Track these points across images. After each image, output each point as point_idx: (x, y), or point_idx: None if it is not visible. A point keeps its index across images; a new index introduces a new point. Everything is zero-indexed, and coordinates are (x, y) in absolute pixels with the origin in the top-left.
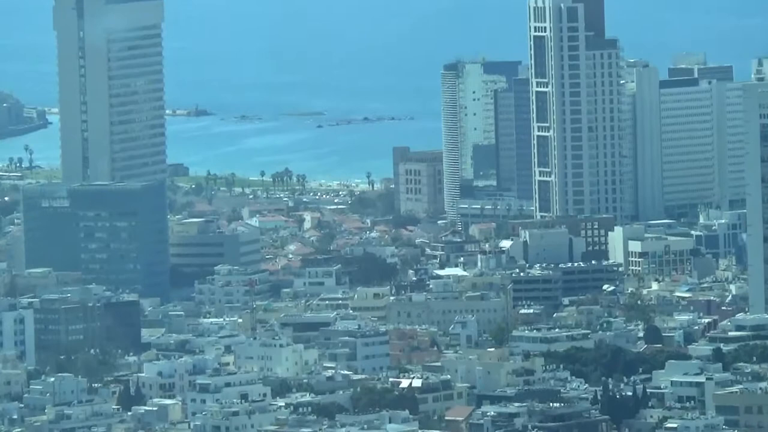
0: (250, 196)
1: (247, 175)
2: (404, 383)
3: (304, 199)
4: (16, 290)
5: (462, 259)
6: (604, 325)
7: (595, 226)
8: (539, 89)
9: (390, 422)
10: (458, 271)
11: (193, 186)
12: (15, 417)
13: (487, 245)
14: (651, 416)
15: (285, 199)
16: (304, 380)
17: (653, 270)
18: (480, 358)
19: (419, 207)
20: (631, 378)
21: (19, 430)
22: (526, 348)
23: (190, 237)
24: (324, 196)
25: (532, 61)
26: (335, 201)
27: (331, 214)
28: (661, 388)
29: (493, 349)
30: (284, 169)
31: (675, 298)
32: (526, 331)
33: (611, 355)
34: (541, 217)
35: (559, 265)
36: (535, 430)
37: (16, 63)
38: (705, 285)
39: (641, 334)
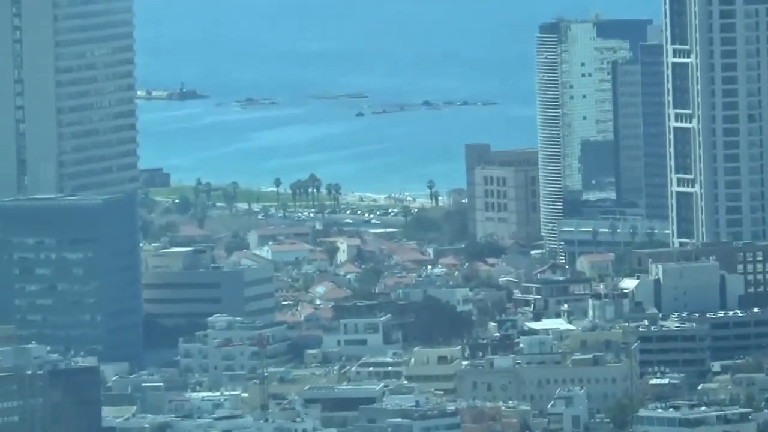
0: (260, 216)
1: (256, 185)
2: None
3: (338, 220)
4: None
5: (566, 306)
6: None
7: (758, 258)
8: (677, 60)
9: None
10: (560, 324)
11: (177, 201)
12: None
13: (602, 286)
14: None
15: (310, 219)
16: None
17: None
18: None
19: (504, 230)
20: None
21: None
22: None
23: (173, 274)
24: (366, 215)
25: (667, 20)
26: (382, 222)
27: (377, 242)
28: None
29: None
30: (309, 176)
31: None
32: (659, 410)
33: None
34: (681, 245)
35: (707, 315)
36: None
37: None
38: None
39: None
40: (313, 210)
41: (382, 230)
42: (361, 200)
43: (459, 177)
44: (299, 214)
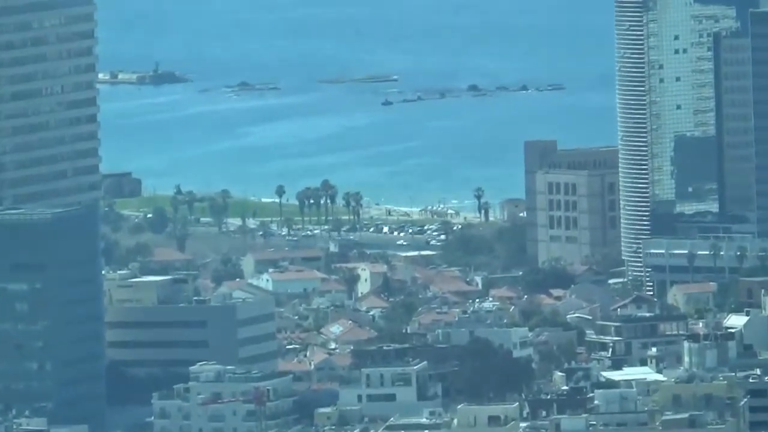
0: (259, 234)
1: (253, 194)
2: None
3: (359, 240)
4: None
5: (654, 350)
6: None
7: None
8: None
9: None
10: (647, 374)
11: (151, 215)
12: None
13: (701, 324)
14: None
15: (323, 239)
16: None
17: None
18: None
19: (574, 253)
20: None
21: None
22: None
23: (146, 311)
24: (395, 233)
25: None
26: (416, 243)
27: (409, 268)
28: None
29: None
30: (321, 183)
31: None
32: None
33: None
34: None
35: None
36: None
37: None
38: None
39: None
40: (326, 227)
41: (415, 253)
42: (389, 214)
43: (515, 184)
44: (308, 233)
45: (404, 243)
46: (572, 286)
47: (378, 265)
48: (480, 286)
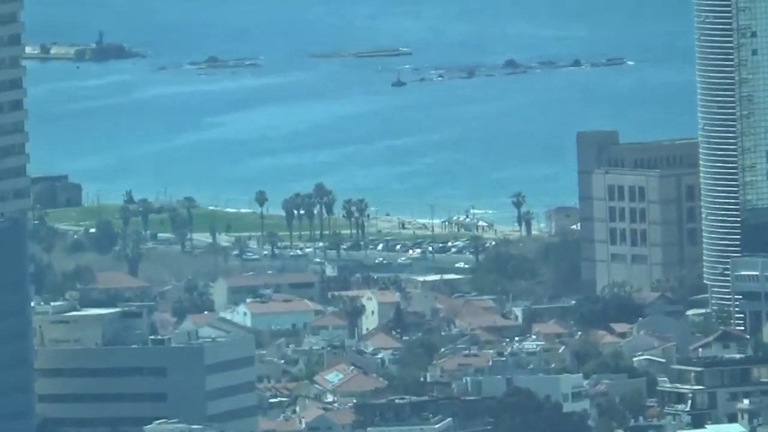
0: (234, 254)
1: (226, 203)
2: None
3: (364, 260)
4: None
5: (746, 402)
6: None
7: None
8: None
9: None
10: None
11: (94, 230)
12: None
13: None
14: None
15: (316, 260)
16: None
17: None
18: None
19: (642, 276)
20: None
21: None
22: None
23: (87, 354)
24: (410, 252)
25: None
26: (437, 264)
27: (428, 297)
28: None
29: None
30: (314, 188)
31: None
32: None
33: None
34: None
35: None
36: None
37: None
38: None
39: None
40: (321, 244)
41: (436, 277)
42: (402, 227)
43: (566, 187)
44: (298, 252)
45: (422, 264)
46: (640, 319)
47: (388, 293)
48: (520, 319)
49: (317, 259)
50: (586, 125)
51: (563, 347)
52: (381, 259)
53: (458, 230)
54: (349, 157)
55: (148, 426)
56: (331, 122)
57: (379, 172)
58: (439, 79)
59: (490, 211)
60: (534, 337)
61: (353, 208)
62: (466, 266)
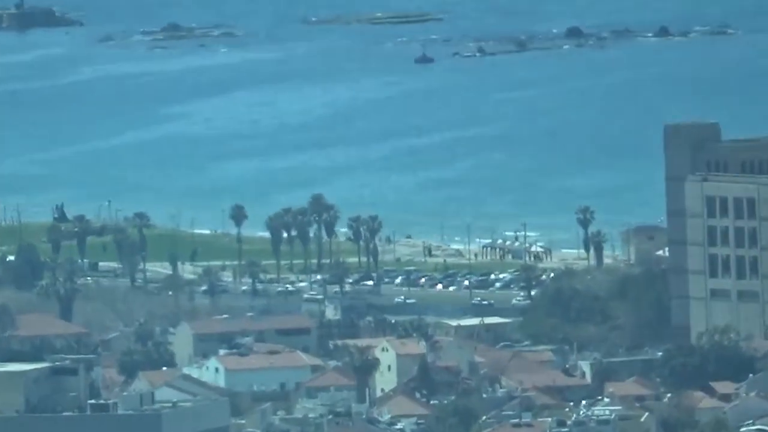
0: (202, 290)
1: (192, 221)
2: None
3: (377, 299)
4: None
5: None
6: None
7: None
8: None
9: None
10: None
11: (12, 258)
12: None
13: None
14: None
15: (313, 296)
16: None
17: None
18: None
19: (752, 318)
20: None
21: None
22: None
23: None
24: (439, 286)
25: None
26: (476, 304)
27: (465, 345)
28: None
29: None
30: (310, 201)
31: None
32: None
33: None
34: None
35: None
36: None
37: None
38: None
39: None
40: (319, 277)
41: (474, 321)
42: (429, 254)
43: (649, 200)
44: (288, 287)
45: (456, 303)
46: (750, 376)
47: (410, 342)
48: (589, 377)
49: (314, 296)
50: (676, 116)
51: (646, 414)
52: (401, 297)
53: (504, 258)
54: (357, 160)
55: None
56: (333, 113)
57: (397, 181)
58: (478, 54)
59: (547, 233)
60: (607, 400)
61: (362, 229)
62: (516, 306)
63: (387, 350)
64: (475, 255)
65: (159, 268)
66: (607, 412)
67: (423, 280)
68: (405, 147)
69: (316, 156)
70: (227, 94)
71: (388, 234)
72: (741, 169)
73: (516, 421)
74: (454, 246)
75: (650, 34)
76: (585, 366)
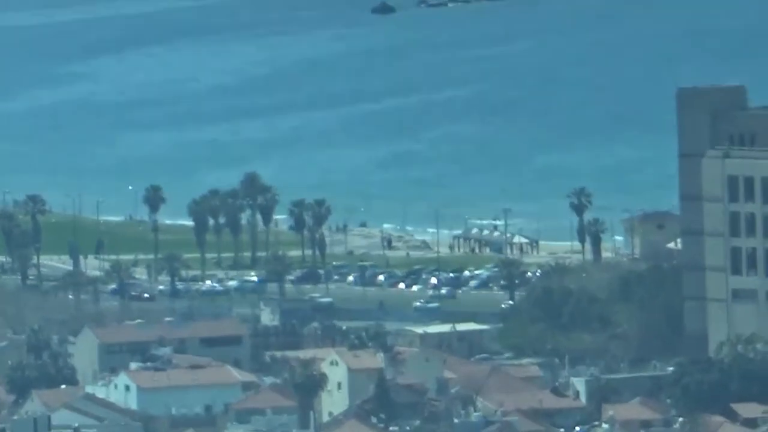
0: (109, 289)
1: (95, 206)
2: None
3: (323, 300)
4: None
5: None
6: None
7: None
8: None
9: None
10: None
11: None
12: None
13: None
14: None
15: (246, 297)
16: None
17: None
18: None
19: None
20: None
21: None
22: None
23: None
24: (400, 285)
25: None
26: (445, 304)
27: (433, 358)
28: None
29: None
30: (242, 180)
31: None
32: None
33: None
34: None
35: None
36: None
37: None
38: None
39: None
40: (253, 274)
41: (443, 328)
42: (388, 246)
43: (658, 180)
44: (215, 285)
45: (421, 305)
46: None
47: (365, 354)
48: (584, 398)
49: (247, 298)
50: (692, 77)
51: None
52: (353, 298)
53: (480, 250)
54: (300, 131)
55: None
56: (270, 73)
57: (349, 157)
58: (450, 4)
59: (533, 220)
60: (606, 426)
61: (307, 215)
62: (495, 310)
63: (336, 364)
64: (450, 248)
65: (56, 263)
66: None
67: (381, 277)
68: (360, 115)
69: (250, 126)
70: (139, 50)
71: (339, 222)
72: None
73: None
74: (419, 236)
75: None
76: (579, 384)
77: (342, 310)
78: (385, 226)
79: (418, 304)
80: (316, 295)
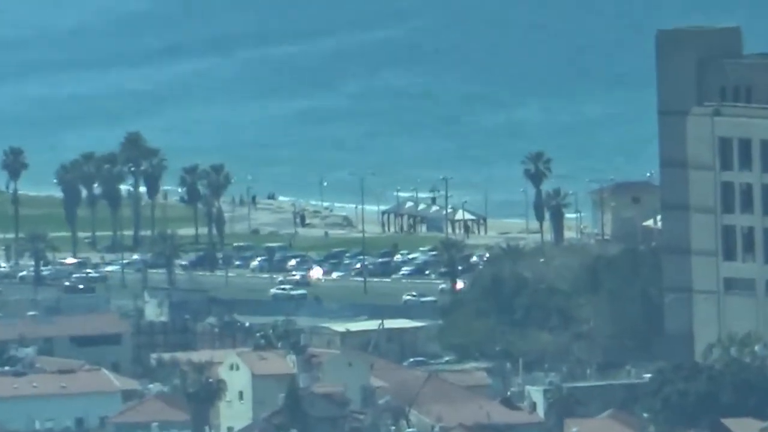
0: None
1: None
2: None
3: (223, 290)
4: None
5: None
6: None
7: None
8: None
9: None
10: None
11: None
12: None
13: None
14: None
15: (123, 287)
16: None
17: None
18: None
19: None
20: None
21: None
22: None
23: None
24: (316, 271)
25: None
26: (373, 296)
27: (359, 361)
28: None
29: None
30: (122, 143)
31: None
32: None
33: None
34: None
35: None
36: None
37: None
38: None
39: None
40: (136, 257)
41: (370, 325)
42: (302, 222)
43: (632, 143)
44: (89, 272)
45: (342, 298)
46: None
47: (274, 355)
48: (542, 410)
49: (125, 288)
50: (675, 18)
51: None
52: (256, 287)
53: (415, 230)
54: (192, 79)
55: None
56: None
57: (253, 112)
58: None
59: (480, 192)
60: None
61: (201, 185)
62: (433, 302)
63: (238, 368)
64: (383, 227)
65: None
66: None
67: (293, 261)
68: (266, 60)
69: (128, 74)
70: None
71: (241, 193)
72: None
73: None
74: (340, 212)
75: None
76: (536, 394)
77: (244, 303)
78: (298, 198)
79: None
80: (213, 283)
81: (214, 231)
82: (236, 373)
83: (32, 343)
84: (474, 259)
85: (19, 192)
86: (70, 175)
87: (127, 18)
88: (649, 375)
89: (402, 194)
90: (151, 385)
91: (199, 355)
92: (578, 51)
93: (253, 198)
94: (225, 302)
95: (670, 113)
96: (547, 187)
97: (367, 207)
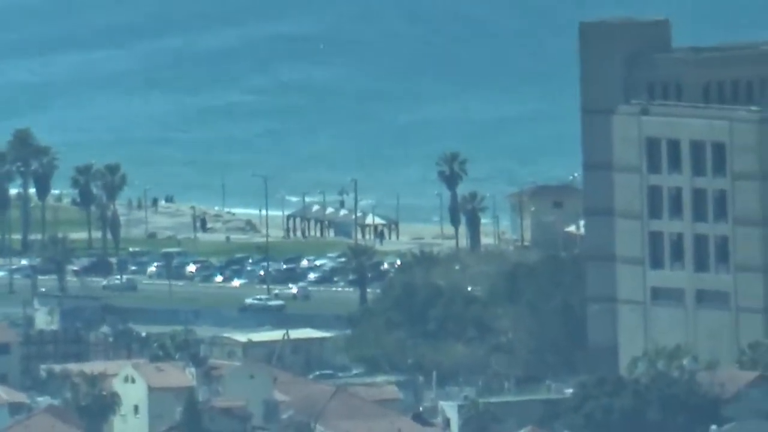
0: None
1: None
2: None
3: (116, 296)
4: None
5: None
6: None
7: None
8: None
9: None
10: None
11: None
12: None
13: None
14: None
15: (12, 295)
16: None
17: None
18: None
19: (715, 334)
20: None
21: None
22: None
23: None
24: (217, 278)
25: None
26: (275, 303)
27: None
28: None
29: None
30: (10, 140)
31: None
32: None
33: None
34: None
35: None
36: None
37: None
38: None
39: None
40: (24, 262)
41: (274, 335)
42: (202, 227)
43: (554, 143)
44: None
45: (249, 303)
46: (713, 428)
47: (171, 367)
48: (456, 426)
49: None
50: (600, 8)
51: None
52: (156, 294)
53: (322, 234)
54: (85, 73)
55: None
56: None
57: (151, 106)
58: None
59: (391, 195)
60: None
61: (95, 186)
62: (340, 313)
63: (133, 381)
64: (288, 232)
65: None
66: None
67: (193, 267)
68: (164, 52)
69: (16, 65)
70: None
71: (139, 195)
72: (704, 96)
73: None
74: (243, 215)
75: None
76: (450, 409)
77: (140, 311)
78: (197, 201)
79: (251, 301)
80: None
81: (109, 235)
82: (131, 385)
83: None
84: (385, 266)
85: None
86: None
87: (14, 6)
88: (570, 390)
89: (308, 197)
90: (40, 398)
91: (92, 367)
92: (494, 41)
93: (154, 200)
94: (120, 310)
95: (595, 111)
96: (462, 190)
97: (272, 210)
